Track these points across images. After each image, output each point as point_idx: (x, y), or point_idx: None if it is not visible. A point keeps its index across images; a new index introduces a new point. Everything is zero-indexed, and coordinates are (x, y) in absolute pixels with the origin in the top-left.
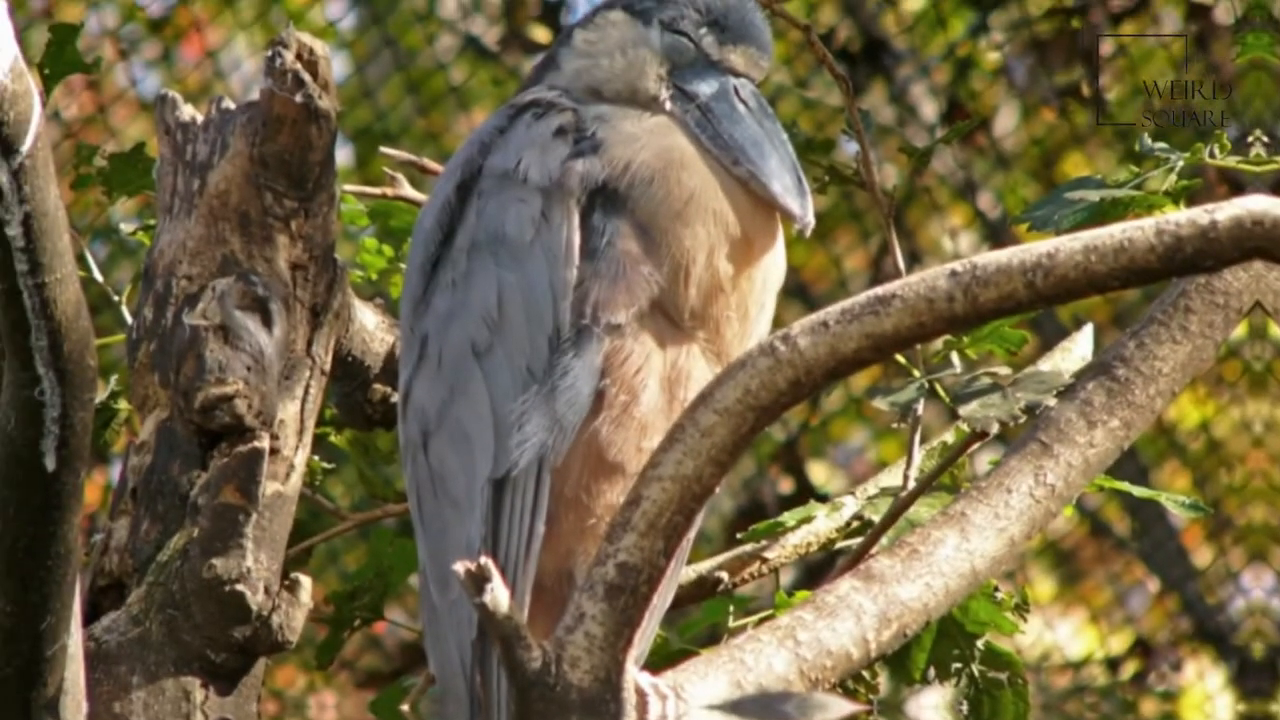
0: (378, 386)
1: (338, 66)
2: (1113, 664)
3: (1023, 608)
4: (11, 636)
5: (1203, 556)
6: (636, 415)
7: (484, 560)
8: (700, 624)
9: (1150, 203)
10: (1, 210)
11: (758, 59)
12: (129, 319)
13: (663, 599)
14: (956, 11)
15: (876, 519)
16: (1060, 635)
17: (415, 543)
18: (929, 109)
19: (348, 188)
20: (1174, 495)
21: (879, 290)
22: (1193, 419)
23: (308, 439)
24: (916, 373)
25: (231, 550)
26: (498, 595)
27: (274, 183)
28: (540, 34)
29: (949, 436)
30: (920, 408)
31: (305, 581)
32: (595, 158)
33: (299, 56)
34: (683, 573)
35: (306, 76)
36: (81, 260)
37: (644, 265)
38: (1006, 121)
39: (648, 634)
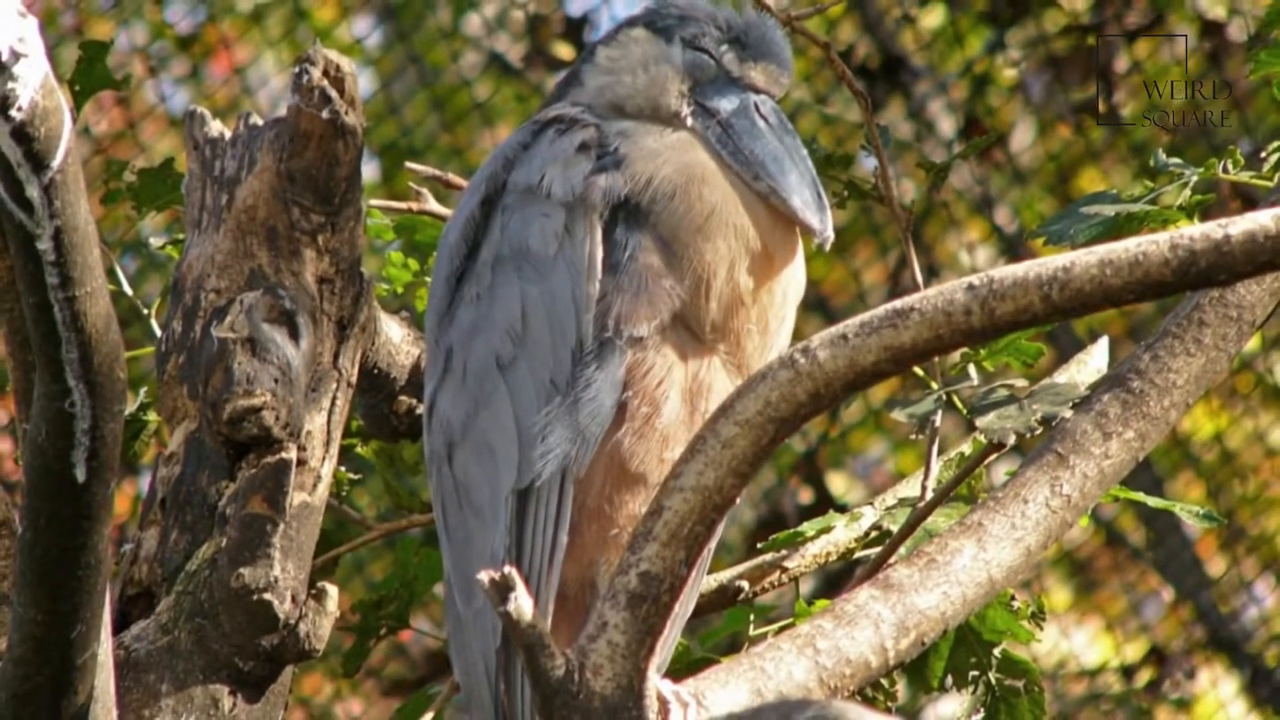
0: (403, 398)
1: (364, 83)
2: (1127, 672)
3: (1039, 616)
4: (43, 645)
5: (1216, 566)
6: (658, 427)
7: (508, 570)
8: (721, 632)
9: (1165, 217)
10: (32, 225)
11: (778, 75)
12: (158, 332)
13: (684, 608)
14: (974, 29)
15: (895, 529)
16: (1076, 643)
17: (440, 552)
18: (946, 125)
19: (374, 202)
20: (1188, 506)
21: (897, 304)
22: (1206, 430)
23: (334, 450)
24: (934, 385)
25: (259, 560)
26: (521, 604)
27: (301, 197)
28: (563, 51)
29: (966, 448)
30: (938, 419)
31: (332, 590)
32: (617, 173)
33: (326, 73)
34: (704, 582)
35: (333, 93)
36: (111, 274)
37: (665, 279)
38: (1023, 137)
39: (669, 642)
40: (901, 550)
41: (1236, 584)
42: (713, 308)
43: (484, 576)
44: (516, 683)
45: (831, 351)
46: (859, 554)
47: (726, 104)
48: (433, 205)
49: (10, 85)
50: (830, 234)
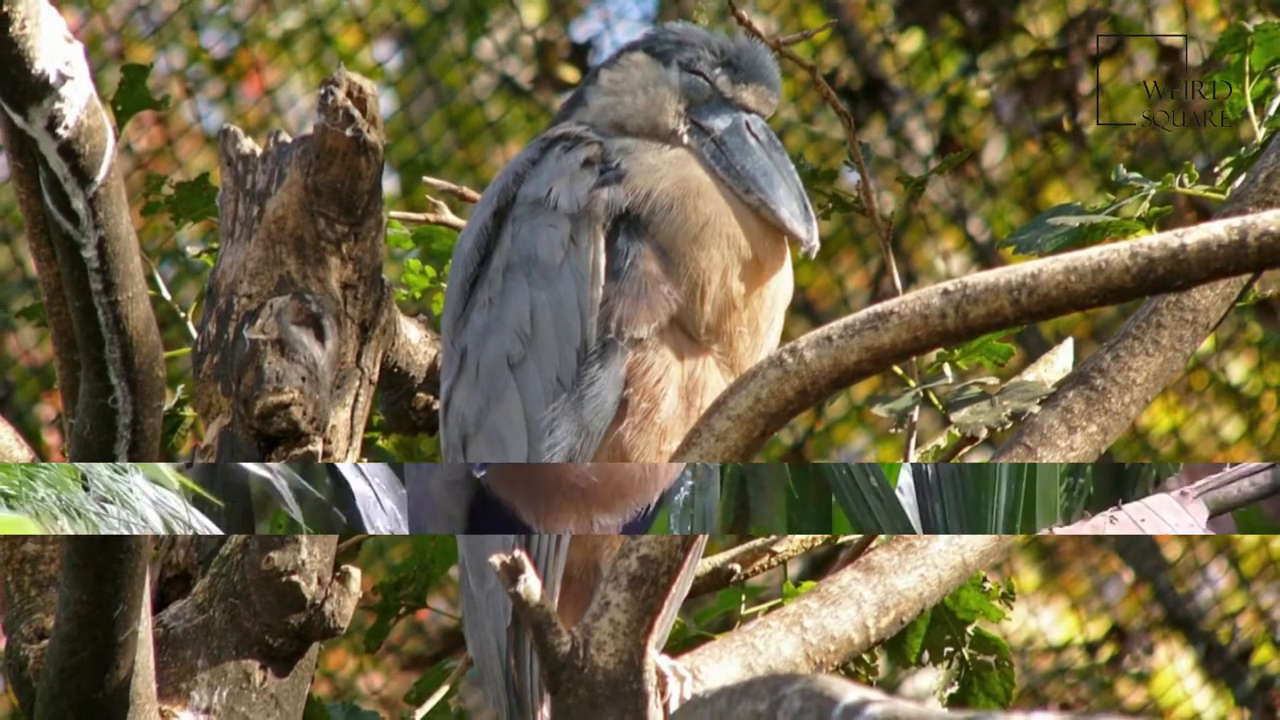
0: (421, 395)
1: (384, 103)
2: (1091, 648)
3: (1009, 597)
4: (87, 623)
5: (1173, 550)
6: (657, 421)
7: (518, 553)
8: (715, 612)
9: (1125, 227)
10: (78, 234)
11: (768, 96)
12: (194, 334)
13: (681, 589)
14: (949, 53)
15: None
16: (1043, 622)
17: (455, 537)
18: (923, 142)
19: (394, 214)
20: None
21: (878, 307)
22: (1164, 425)
23: (357, 443)
24: (912, 383)
25: (288, 544)
26: (530, 585)
27: (326, 209)
28: (569, 74)
29: (942, 441)
30: (915, 415)
31: (355, 573)
32: (619, 186)
33: (349, 94)
34: (699, 565)
35: (356, 112)
36: (151, 280)
37: (664, 284)
38: (994, 153)
39: (667, 621)
40: (882, 536)
41: (1192, 566)
42: (707, 311)
43: (495, 560)
44: (526, 658)
45: (817, 351)
46: (843, 539)
47: (720, 123)
48: (448, 216)
49: (58, 105)
50: (816, 243)
